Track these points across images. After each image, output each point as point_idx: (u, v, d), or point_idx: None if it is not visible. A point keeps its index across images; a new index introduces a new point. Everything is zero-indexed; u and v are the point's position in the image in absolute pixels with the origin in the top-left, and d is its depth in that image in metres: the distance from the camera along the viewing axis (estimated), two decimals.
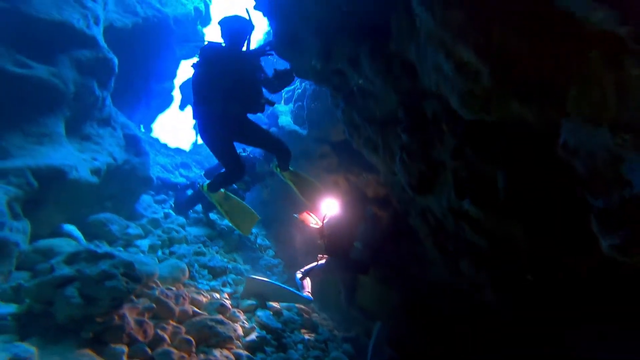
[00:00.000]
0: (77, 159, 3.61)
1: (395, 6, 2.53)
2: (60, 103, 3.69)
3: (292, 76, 3.87)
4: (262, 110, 3.93)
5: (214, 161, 6.59)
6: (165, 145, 9.43)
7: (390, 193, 4.07)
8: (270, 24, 4.55)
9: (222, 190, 4.14)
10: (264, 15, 4.63)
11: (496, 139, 1.89)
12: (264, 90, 3.93)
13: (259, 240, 5.85)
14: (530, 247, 1.88)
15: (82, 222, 4.04)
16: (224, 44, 3.80)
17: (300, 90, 7.18)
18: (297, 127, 6.22)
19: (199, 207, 5.88)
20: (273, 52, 3.98)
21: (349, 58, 3.26)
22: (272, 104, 4.00)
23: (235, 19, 3.90)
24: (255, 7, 5.00)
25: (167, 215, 5.48)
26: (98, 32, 4.62)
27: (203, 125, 3.71)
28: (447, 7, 1.61)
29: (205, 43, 3.87)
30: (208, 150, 4.18)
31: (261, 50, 4.07)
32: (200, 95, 3.62)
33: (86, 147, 4.00)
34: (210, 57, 3.66)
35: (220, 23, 3.86)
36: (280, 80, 3.88)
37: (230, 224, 4.61)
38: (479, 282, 2.40)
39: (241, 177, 4.11)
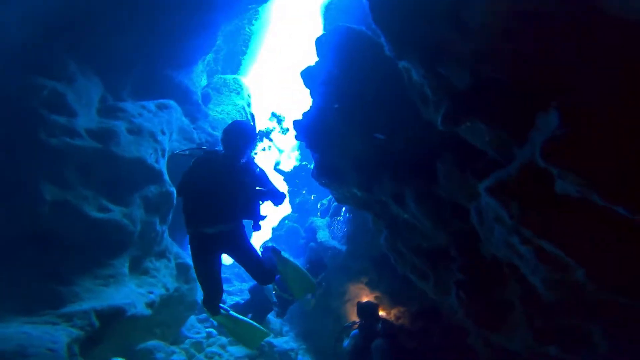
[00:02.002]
0: (135, 295, 3.96)
1: (440, 155, 2.64)
2: (129, 244, 4.15)
3: (283, 198, 3.62)
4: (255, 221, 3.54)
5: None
6: None
7: (439, 308, 3.99)
8: (312, 155, 5.06)
9: (223, 312, 3.62)
10: (306, 146, 5.16)
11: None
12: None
13: (299, 358, 5.70)
14: None
15: (130, 351, 4.26)
16: (222, 151, 3.49)
17: (336, 204, 7.54)
18: (335, 243, 6.42)
19: None
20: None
21: (392, 194, 3.42)
22: (258, 228, 3.60)
23: (237, 124, 3.65)
24: (297, 137, 5.58)
25: (209, 335, 5.60)
26: (163, 165, 5.05)
27: (188, 238, 3.35)
28: (526, 209, 1.51)
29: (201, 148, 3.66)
30: None
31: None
32: (185, 207, 3.30)
33: (144, 282, 4.39)
34: (200, 164, 3.36)
35: (223, 129, 3.55)
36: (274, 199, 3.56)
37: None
38: None
39: (213, 303, 3.48)
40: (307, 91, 5.73)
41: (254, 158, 3.91)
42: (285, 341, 5.95)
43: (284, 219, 12.57)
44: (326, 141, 4.63)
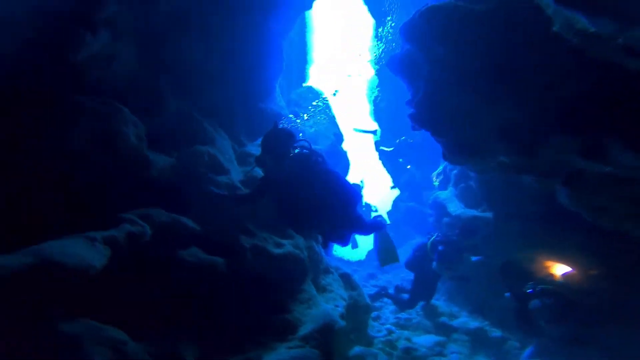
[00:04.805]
0: (331, 312, 4.28)
1: None
2: (306, 269, 4.48)
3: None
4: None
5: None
6: (349, 261, 10.34)
7: None
8: (438, 140, 5.01)
9: None
10: (432, 134, 5.12)
11: None
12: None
13: (492, 334, 5.63)
14: None
15: (345, 357, 4.64)
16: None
17: (456, 171, 7.27)
18: (475, 212, 6.21)
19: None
20: None
21: (576, 150, 3.41)
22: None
23: (263, 140, 4.11)
24: (413, 129, 5.57)
25: (390, 331, 5.83)
26: None
27: None
28: None
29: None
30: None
31: None
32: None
33: (328, 298, 4.73)
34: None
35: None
36: None
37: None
38: None
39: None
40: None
41: (318, 157, 4.20)
42: (464, 322, 5.92)
43: (396, 200, 12.48)
44: (455, 123, 4.58)
